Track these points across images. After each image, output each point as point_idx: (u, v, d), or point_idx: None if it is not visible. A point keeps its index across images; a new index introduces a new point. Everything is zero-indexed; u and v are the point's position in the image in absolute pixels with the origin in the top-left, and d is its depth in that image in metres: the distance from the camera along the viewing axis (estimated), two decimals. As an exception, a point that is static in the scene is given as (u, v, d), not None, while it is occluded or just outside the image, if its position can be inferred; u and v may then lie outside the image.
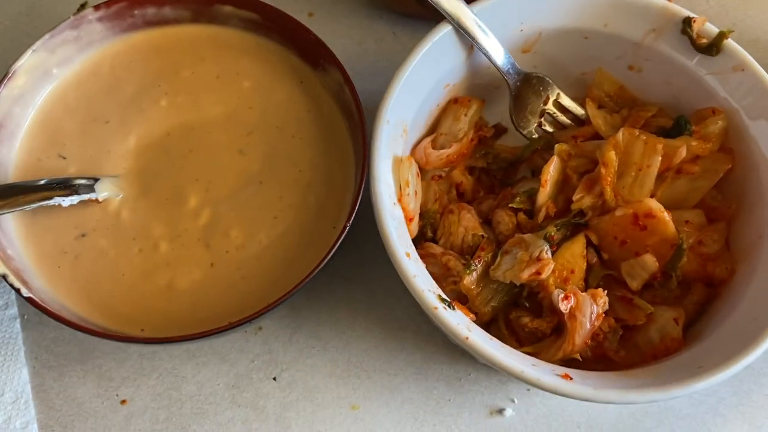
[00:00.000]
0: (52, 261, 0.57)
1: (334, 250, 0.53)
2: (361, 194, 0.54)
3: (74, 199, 0.57)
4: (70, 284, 0.56)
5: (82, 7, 0.77)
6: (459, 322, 0.52)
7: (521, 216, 0.63)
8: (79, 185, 0.58)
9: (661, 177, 0.62)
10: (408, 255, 0.54)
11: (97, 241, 0.58)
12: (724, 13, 0.82)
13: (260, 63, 0.62)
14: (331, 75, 0.60)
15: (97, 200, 0.58)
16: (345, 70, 0.58)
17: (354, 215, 0.54)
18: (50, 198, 0.56)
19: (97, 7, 0.59)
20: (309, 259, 0.58)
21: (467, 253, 0.62)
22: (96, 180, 0.59)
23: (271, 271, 0.58)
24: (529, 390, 0.63)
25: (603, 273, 0.60)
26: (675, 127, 0.63)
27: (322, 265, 0.52)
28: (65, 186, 0.57)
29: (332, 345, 0.65)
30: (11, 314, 0.64)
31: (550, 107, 0.68)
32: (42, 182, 0.57)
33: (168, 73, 0.60)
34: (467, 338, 0.51)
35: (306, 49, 0.61)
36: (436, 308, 0.52)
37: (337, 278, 0.66)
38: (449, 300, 0.54)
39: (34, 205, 0.56)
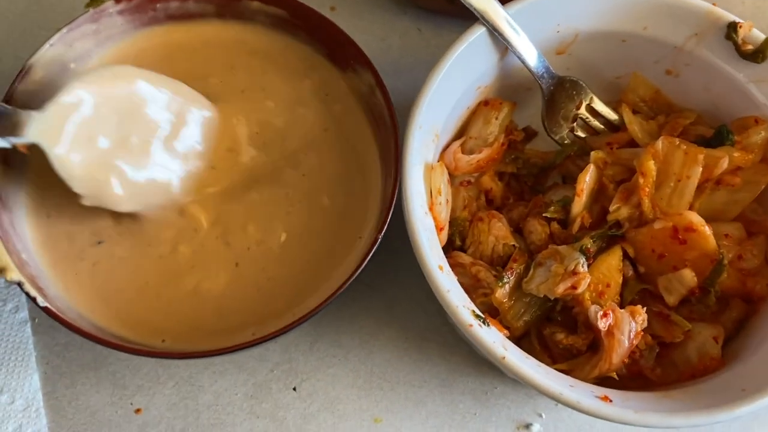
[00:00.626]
0: (70, 267, 0.54)
1: (365, 264, 0.50)
2: (393, 204, 0.52)
3: None
4: (88, 291, 0.54)
5: (96, -4, 0.75)
6: (495, 341, 0.50)
7: (554, 226, 0.61)
8: None
9: (700, 188, 0.59)
10: (441, 268, 0.52)
11: (114, 249, 0.55)
12: (760, 14, 0.79)
13: (286, 77, 0.60)
14: (361, 77, 0.58)
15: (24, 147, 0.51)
16: (377, 72, 0.55)
17: (386, 226, 0.52)
18: None
19: (118, 0, 0.57)
20: (332, 267, 0.56)
21: (497, 263, 0.60)
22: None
23: (295, 275, 0.56)
24: (557, 405, 0.61)
25: (639, 287, 0.58)
26: (716, 136, 0.60)
27: (351, 280, 0.50)
28: None
29: (354, 354, 0.63)
30: (21, 318, 0.62)
31: (582, 112, 0.65)
32: None
33: (197, 78, 0.58)
34: (504, 357, 0.49)
35: (335, 49, 0.58)
36: (471, 326, 0.50)
37: (359, 286, 0.64)
38: (483, 316, 0.52)
39: None
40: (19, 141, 0.50)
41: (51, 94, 0.54)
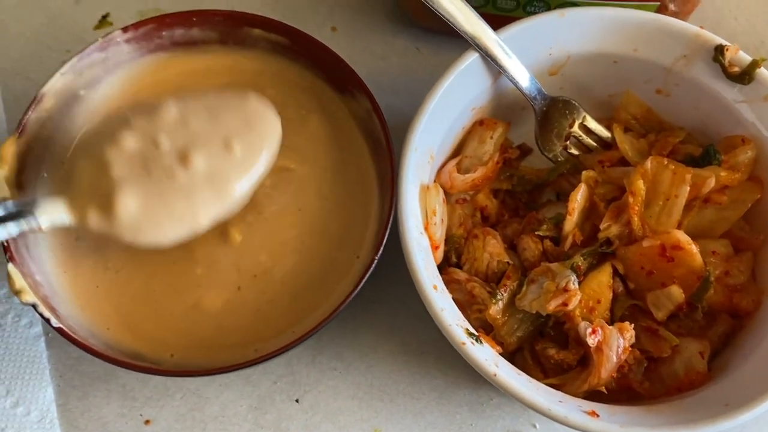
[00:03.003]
0: (90, 285, 0.57)
1: (362, 284, 0.52)
2: (389, 226, 0.54)
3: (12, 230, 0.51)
4: (105, 308, 0.57)
5: (104, 18, 0.77)
6: (486, 358, 0.52)
7: (547, 243, 0.63)
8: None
9: (688, 206, 0.61)
10: (435, 287, 0.54)
11: (134, 266, 0.58)
12: (752, 30, 0.81)
13: (287, 101, 0.62)
14: (359, 101, 0.60)
15: (40, 228, 0.53)
16: (373, 97, 0.58)
17: (383, 247, 0.54)
18: None
19: (125, 29, 0.59)
20: (331, 287, 0.58)
21: (492, 279, 0.62)
22: (31, 203, 0.53)
23: (294, 297, 0.58)
24: (550, 415, 0.63)
25: (629, 303, 0.60)
26: (704, 156, 0.62)
27: (348, 301, 0.52)
28: None
29: (354, 367, 0.65)
30: (36, 333, 0.64)
31: (575, 130, 0.67)
32: None
33: None
34: (495, 374, 0.51)
35: (334, 74, 0.61)
36: (464, 344, 0.52)
37: (360, 300, 0.66)
38: (476, 334, 0.54)
39: None
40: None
41: (61, 121, 0.56)
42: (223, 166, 0.54)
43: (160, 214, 0.53)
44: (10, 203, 0.52)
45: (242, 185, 0.54)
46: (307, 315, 0.57)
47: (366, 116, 0.60)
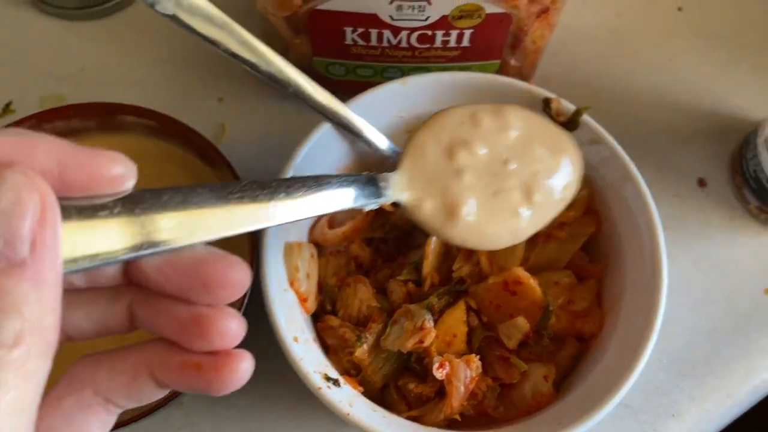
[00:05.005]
0: None
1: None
2: (249, 286, 0.60)
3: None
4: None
5: (7, 107, 0.83)
6: (341, 399, 0.58)
7: (411, 285, 0.69)
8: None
9: (533, 242, 0.68)
10: (296, 339, 0.60)
11: None
12: (607, 71, 0.89)
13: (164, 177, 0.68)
14: (225, 174, 0.66)
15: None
16: (236, 172, 0.64)
17: (245, 304, 0.60)
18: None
19: (7, 127, 0.65)
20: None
21: (363, 323, 0.68)
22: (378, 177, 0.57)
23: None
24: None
25: (484, 335, 0.66)
26: (542, 198, 0.69)
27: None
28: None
29: (248, 413, 0.71)
30: None
31: (437, 179, 0.74)
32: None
33: None
34: (348, 414, 0.57)
35: (203, 150, 0.67)
36: (320, 388, 0.58)
37: (250, 349, 0.72)
38: (335, 378, 0.61)
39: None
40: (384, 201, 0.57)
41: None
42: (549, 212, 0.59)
43: (488, 231, 0.58)
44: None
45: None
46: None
47: (233, 187, 0.66)
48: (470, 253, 0.68)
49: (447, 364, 0.61)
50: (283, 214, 0.45)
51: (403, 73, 0.76)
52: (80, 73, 0.85)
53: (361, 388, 0.63)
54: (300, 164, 0.66)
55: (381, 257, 0.74)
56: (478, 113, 0.61)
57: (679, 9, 0.93)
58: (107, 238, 0.34)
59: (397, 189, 0.58)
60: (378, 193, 0.57)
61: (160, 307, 0.38)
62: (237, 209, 0.41)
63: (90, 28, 0.88)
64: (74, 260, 0.33)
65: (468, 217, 0.57)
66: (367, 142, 0.69)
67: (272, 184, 0.45)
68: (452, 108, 0.62)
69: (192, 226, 0.37)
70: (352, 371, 0.66)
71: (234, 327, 0.39)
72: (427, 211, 0.58)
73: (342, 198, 0.53)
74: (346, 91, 0.71)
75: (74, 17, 0.87)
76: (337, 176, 0.53)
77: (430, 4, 0.66)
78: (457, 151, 0.59)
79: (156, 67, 0.86)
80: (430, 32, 0.70)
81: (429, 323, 0.64)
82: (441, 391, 0.64)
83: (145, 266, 0.38)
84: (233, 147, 0.82)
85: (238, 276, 0.38)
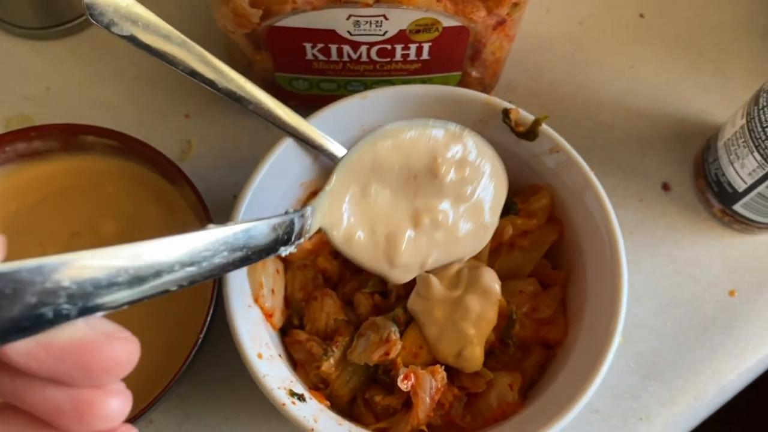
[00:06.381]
0: None
1: (188, 362, 0.59)
2: (213, 304, 0.60)
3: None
4: None
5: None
6: (305, 415, 0.58)
7: (377, 297, 0.70)
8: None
9: (497, 252, 0.69)
10: (260, 356, 0.61)
11: None
12: (571, 79, 0.90)
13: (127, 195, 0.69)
14: (186, 191, 0.66)
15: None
16: (198, 190, 0.64)
17: (207, 324, 0.60)
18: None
19: (-28, 146, 0.65)
20: (175, 365, 0.63)
21: (331, 337, 0.68)
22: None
23: (135, 377, 0.64)
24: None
25: (450, 345, 0.67)
26: (505, 208, 0.70)
27: (177, 376, 0.58)
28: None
29: (219, 431, 0.71)
30: None
31: (402, 191, 0.74)
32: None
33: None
34: (312, 430, 0.58)
35: (164, 168, 0.67)
36: (284, 405, 0.58)
37: (219, 367, 0.72)
38: (300, 393, 0.61)
39: None
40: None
41: None
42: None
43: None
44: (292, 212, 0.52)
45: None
46: (151, 394, 0.62)
47: (195, 203, 0.66)
48: (435, 265, 0.68)
49: (412, 375, 0.62)
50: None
51: (366, 86, 0.77)
52: (46, 93, 0.85)
53: (328, 403, 0.63)
54: (262, 181, 0.66)
55: (349, 270, 0.74)
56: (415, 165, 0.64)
57: (641, 16, 0.94)
58: None
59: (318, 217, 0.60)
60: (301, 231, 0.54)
61: (28, 385, 0.32)
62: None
63: (55, 48, 0.88)
64: None
65: (406, 257, 0.63)
66: (330, 156, 0.69)
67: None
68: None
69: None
70: (320, 385, 0.66)
71: (118, 406, 0.34)
72: (361, 242, 0.62)
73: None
74: (311, 105, 0.72)
75: (37, 37, 0.87)
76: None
77: (386, 19, 0.66)
78: (401, 201, 0.64)
79: (122, 85, 0.86)
80: (389, 46, 0.71)
81: (395, 335, 0.64)
82: (408, 402, 0.64)
83: (9, 350, 0.30)
84: (200, 163, 0.82)
85: (125, 356, 0.33)
